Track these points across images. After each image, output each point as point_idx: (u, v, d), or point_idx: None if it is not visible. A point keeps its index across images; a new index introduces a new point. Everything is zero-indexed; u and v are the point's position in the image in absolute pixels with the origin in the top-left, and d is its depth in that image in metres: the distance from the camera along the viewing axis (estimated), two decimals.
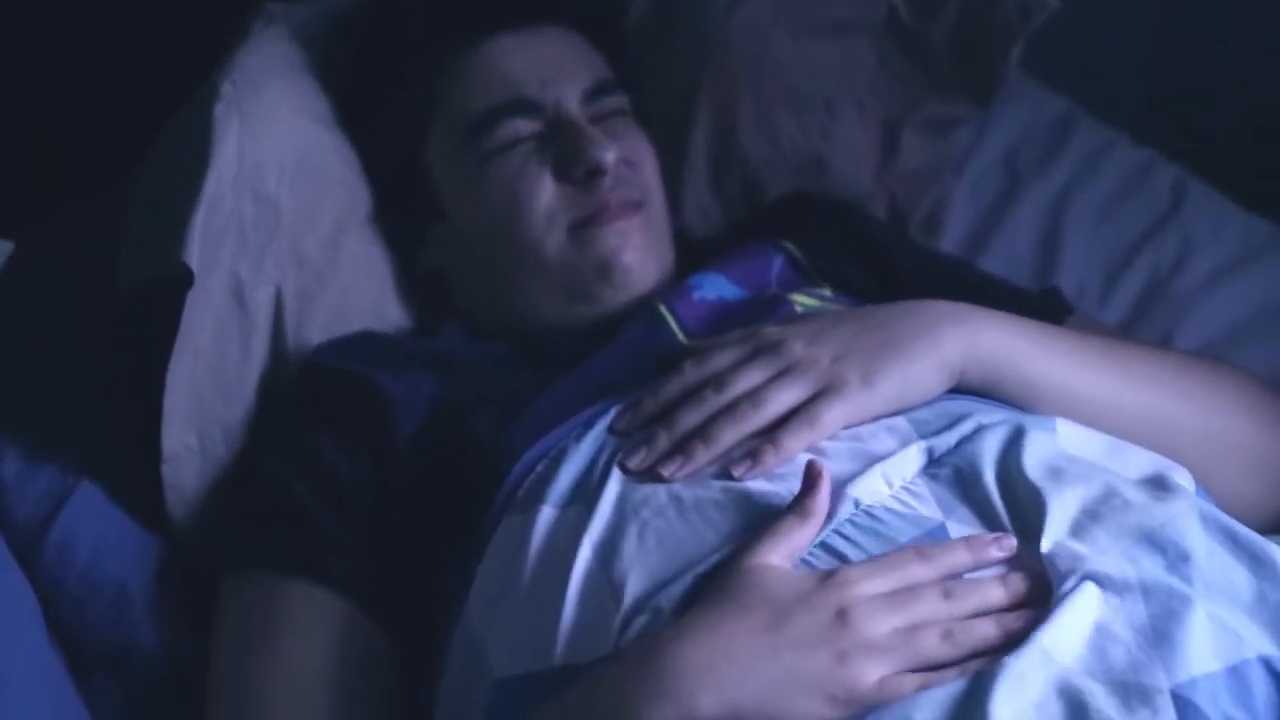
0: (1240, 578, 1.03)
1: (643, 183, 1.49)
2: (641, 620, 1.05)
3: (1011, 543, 1.06)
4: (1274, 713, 0.97)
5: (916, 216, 1.72)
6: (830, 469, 1.10)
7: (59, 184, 1.64)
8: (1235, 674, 0.97)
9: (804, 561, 1.06)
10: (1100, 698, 0.95)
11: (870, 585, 1.02)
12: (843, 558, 1.06)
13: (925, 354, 1.19)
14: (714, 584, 1.04)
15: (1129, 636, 0.98)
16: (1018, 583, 1.04)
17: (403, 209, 1.53)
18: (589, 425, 1.23)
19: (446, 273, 1.52)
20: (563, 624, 1.08)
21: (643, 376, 1.26)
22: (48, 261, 1.56)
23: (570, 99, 1.47)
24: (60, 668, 1.36)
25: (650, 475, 1.15)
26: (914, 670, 0.99)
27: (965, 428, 1.15)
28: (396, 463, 1.31)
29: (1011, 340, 1.22)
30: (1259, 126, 2.05)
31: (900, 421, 1.17)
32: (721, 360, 1.22)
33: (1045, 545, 1.04)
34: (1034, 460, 1.11)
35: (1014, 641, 0.99)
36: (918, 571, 1.04)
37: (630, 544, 1.10)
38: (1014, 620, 1.01)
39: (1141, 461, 1.15)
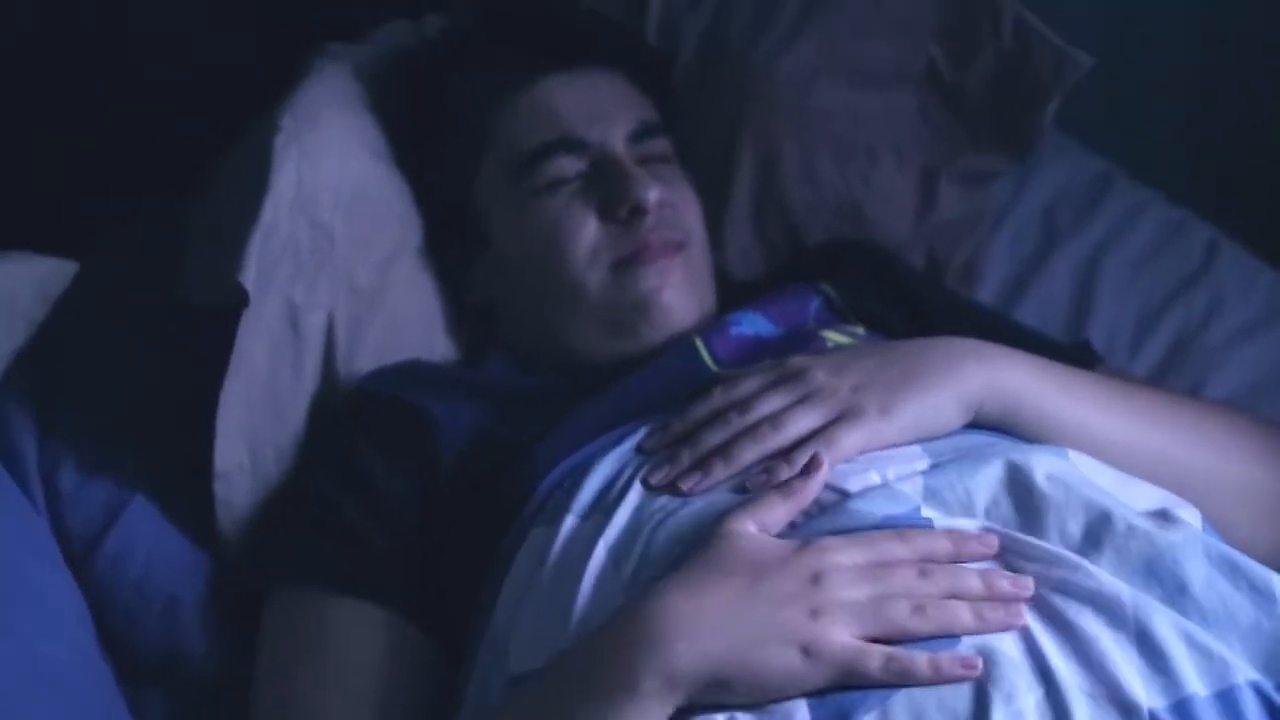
0: (1239, 606, 1.06)
1: (685, 225, 1.53)
2: None
3: (993, 541, 1.10)
4: None
5: (953, 266, 1.76)
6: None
7: (123, 207, 1.68)
8: (1224, 699, 1.00)
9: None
10: (1086, 713, 0.99)
11: (846, 555, 1.07)
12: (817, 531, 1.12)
13: (944, 386, 1.23)
14: (696, 548, 1.09)
15: (1118, 655, 1.02)
16: (998, 580, 1.07)
17: (452, 242, 1.58)
18: (617, 443, 1.27)
19: (493, 304, 1.57)
20: (574, 620, 1.13)
21: (673, 402, 1.30)
22: (110, 282, 1.61)
23: (616, 139, 1.51)
24: (110, 675, 1.40)
25: (670, 489, 1.20)
26: (885, 640, 1.03)
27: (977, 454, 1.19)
28: (439, 485, 1.35)
29: (1030, 377, 1.26)
30: None
31: (915, 449, 1.20)
32: (748, 386, 1.26)
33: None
34: (1041, 475, 1.14)
35: (987, 628, 1.03)
36: (895, 550, 1.08)
37: (641, 544, 1.14)
38: (990, 609, 1.05)
39: (1150, 496, 1.18)
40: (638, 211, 1.47)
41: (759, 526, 1.11)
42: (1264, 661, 1.03)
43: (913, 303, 1.56)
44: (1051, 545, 1.09)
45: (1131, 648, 1.02)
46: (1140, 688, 1.00)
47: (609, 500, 1.21)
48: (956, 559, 1.09)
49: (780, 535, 1.11)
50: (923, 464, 1.18)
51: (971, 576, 1.07)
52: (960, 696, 1.00)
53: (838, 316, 1.52)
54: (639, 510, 1.18)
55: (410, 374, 1.48)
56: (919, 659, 1.02)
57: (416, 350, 1.55)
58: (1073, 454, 1.20)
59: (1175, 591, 1.06)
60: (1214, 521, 1.19)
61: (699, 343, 1.43)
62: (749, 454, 1.20)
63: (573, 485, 1.24)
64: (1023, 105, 1.71)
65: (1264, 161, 2.19)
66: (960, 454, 1.18)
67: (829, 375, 1.24)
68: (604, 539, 1.16)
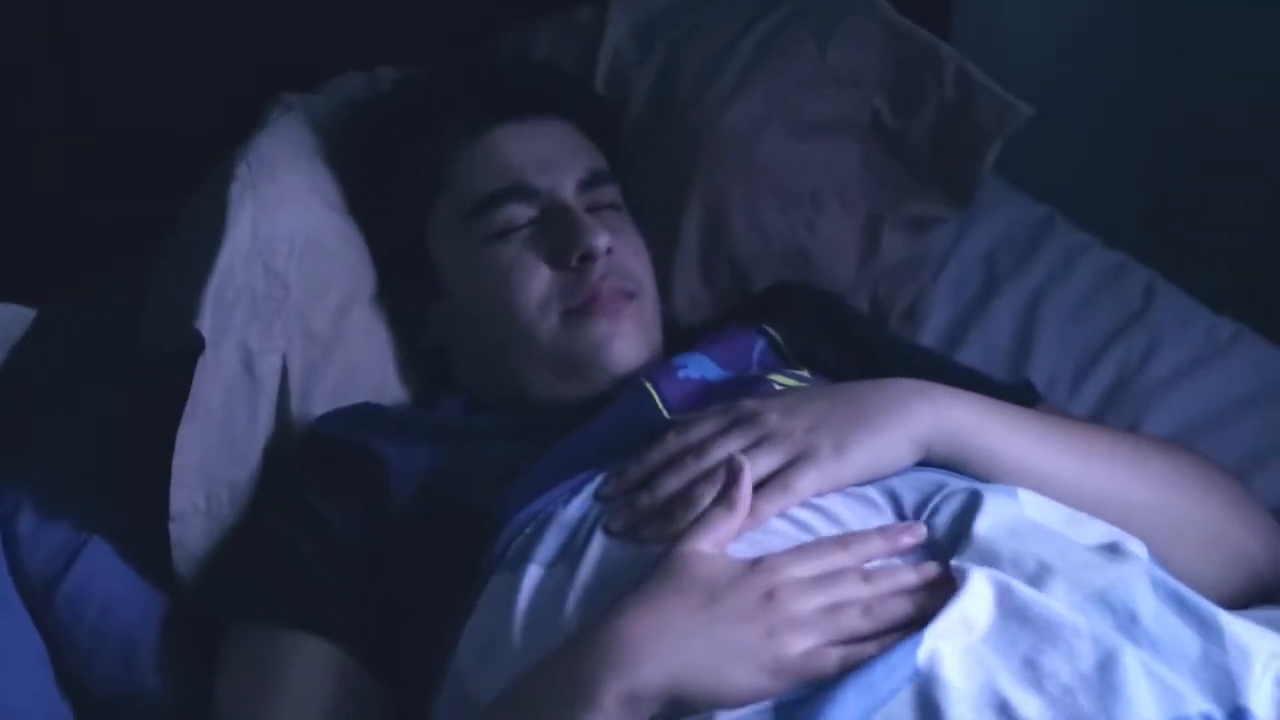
0: (1187, 639, 1.09)
1: (634, 274, 1.55)
2: None
3: (922, 530, 1.15)
4: None
5: (897, 310, 1.79)
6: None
7: (81, 258, 1.71)
8: None
9: None
10: None
11: (795, 569, 1.11)
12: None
13: (895, 426, 1.26)
14: (652, 569, 1.12)
15: (1076, 683, 1.04)
16: (930, 568, 1.12)
17: (405, 289, 1.60)
18: (576, 491, 1.29)
19: (447, 348, 1.59)
20: None
21: (629, 448, 1.31)
22: (67, 327, 1.64)
23: (566, 187, 1.54)
24: (68, 715, 1.42)
25: (632, 536, 1.22)
26: (837, 643, 1.07)
27: (936, 500, 1.21)
28: (393, 525, 1.37)
29: (976, 416, 1.29)
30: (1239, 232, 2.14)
31: (872, 492, 1.23)
32: (701, 430, 1.29)
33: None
34: (992, 520, 1.17)
35: (926, 617, 1.07)
36: (839, 558, 1.13)
37: (611, 598, 1.15)
38: (926, 599, 1.09)
39: (1098, 531, 1.21)
40: (588, 259, 1.49)
41: (712, 545, 1.14)
42: (1213, 693, 1.05)
43: (856, 345, 1.58)
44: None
45: (1093, 673, 1.05)
46: (1101, 715, 1.02)
47: (574, 549, 1.22)
48: (892, 554, 1.14)
49: None
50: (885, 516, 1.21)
51: (908, 571, 1.12)
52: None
53: (782, 359, 1.55)
54: (602, 562, 1.20)
55: (363, 416, 1.51)
56: (869, 649, 1.06)
57: (370, 394, 1.57)
58: (1022, 494, 1.23)
59: (1127, 620, 1.09)
60: (1158, 555, 1.21)
61: (650, 388, 1.45)
62: (709, 498, 1.21)
63: (534, 533, 1.26)
64: (964, 153, 1.74)
65: (1204, 205, 2.24)
66: (917, 493, 1.22)
67: (782, 418, 1.27)
68: (573, 592, 1.18)
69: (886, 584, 1.12)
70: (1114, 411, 1.71)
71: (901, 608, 1.10)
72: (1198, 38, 2.24)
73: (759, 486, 1.22)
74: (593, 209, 1.55)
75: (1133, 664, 1.05)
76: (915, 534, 1.16)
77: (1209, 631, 1.09)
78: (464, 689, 1.22)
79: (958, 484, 1.23)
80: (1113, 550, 1.17)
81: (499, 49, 1.87)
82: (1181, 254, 1.98)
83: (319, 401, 1.54)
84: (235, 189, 1.51)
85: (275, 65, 1.77)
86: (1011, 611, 1.08)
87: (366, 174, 1.62)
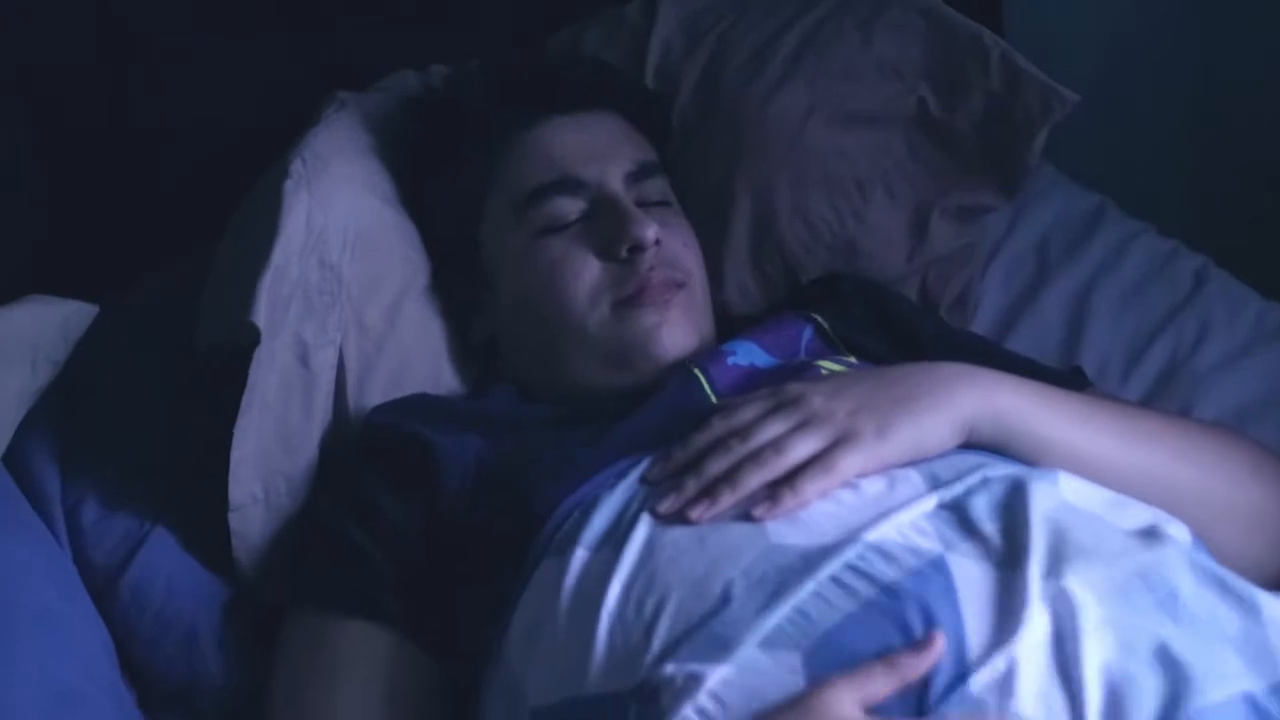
0: (1226, 618, 1.10)
1: (684, 265, 1.57)
2: (671, 668, 1.12)
3: (940, 646, 1.09)
4: None
5: (946, 299, 1.80)
6: (850, 522, 1.19)
7: (140, 256, 1.75)
8: (1224, 708, 1.04)
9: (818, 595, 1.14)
10: None
11: None
12: (852, 590, 1.13)
13: (939, 409, 1.27)
14: (787, 707, 1.08)
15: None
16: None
17: (457, 282, 1.63)
18: (622, 476, 1.31)
19: (498, 340, 1.62)
20: (595, 657, 1.16)
21: (675, 433, 1.33)
22: (130, 323, 1.67)
23: (614, 178, 1.56)
24: (130, 701, 1.46)
25: (678, 518, 1.23)
26: None
27: (973, 480, 1.22)
28: (445, 511, 1.39)
29: (1022, 399, 1.30)
30: None
31: (912, 473, 1.24)
32: (747, 414, 1.30)
33: (1032, 580, 1.11)
34: (1035, 507, 1.17)
35: None
36: None
37: (657, 582, 1.18)
38: None
39: (1139, 515, 1.21)
40: (637, 249, 1.51)
41: (857, 702, 1.08)
42: (1254, 670, 1.07)
43: (905, 333, 1.60)
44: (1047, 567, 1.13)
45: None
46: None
47: (619, 533, 1.24)
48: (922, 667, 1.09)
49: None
50: (927, 504, 1.21)
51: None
52: None
53: (830, 346, 1.56)
54: (649, 544, 1.22)
55: (417, 406, 1.53)
56: None
57: (424, 385, 1.60)
58: (1063, 477, 1.24)
59: (1167, 597, 1.10)
60: (1205, 537, 1.22)
61: (698, 374, 1.47)
62: (754, 480, 1.23)
63: (581, 517, 1.28)
64: (1011, 142, 1.74)
65: (1255, 191, 2.24)
66: (956, 472, 1.23)
67: (826, 400, 1.28)
68: (618, 575, 1.20)
69: None
70: (1165, 397, 1.72)
71: None
72: (1248, 24, 2.24)
73: (802, 468, 1.24)
74: (641, 202, 1.57)
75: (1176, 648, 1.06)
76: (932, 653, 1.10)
77: (1249, 611, 1.10)
78: (512, 672, 1.24)
79: (999, 467, 1.24)
80: (1151, 534, 1.18)
81: (550, 47, 1.90)
82: (1234, 240, 1.98)
83: (373, 393, 1.56)
84: (290, 184, 1.54)
85: (329, 65, 1.81)
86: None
87: (419, 168, 1.65)
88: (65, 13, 1.72)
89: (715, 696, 1.09)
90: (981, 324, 1.82)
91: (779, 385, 1.34)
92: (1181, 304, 1.81)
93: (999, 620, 1.09)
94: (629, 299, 1.51)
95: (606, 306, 1.52)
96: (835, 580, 1.14)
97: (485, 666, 1.29)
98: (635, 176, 1.58)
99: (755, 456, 1.25)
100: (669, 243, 1.55)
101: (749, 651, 1.10)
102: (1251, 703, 1.05)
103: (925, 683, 1.07)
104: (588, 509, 1.28)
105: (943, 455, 1.27)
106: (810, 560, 1.16)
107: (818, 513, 1.21)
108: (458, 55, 1.86)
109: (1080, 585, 1.10)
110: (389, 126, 1.70)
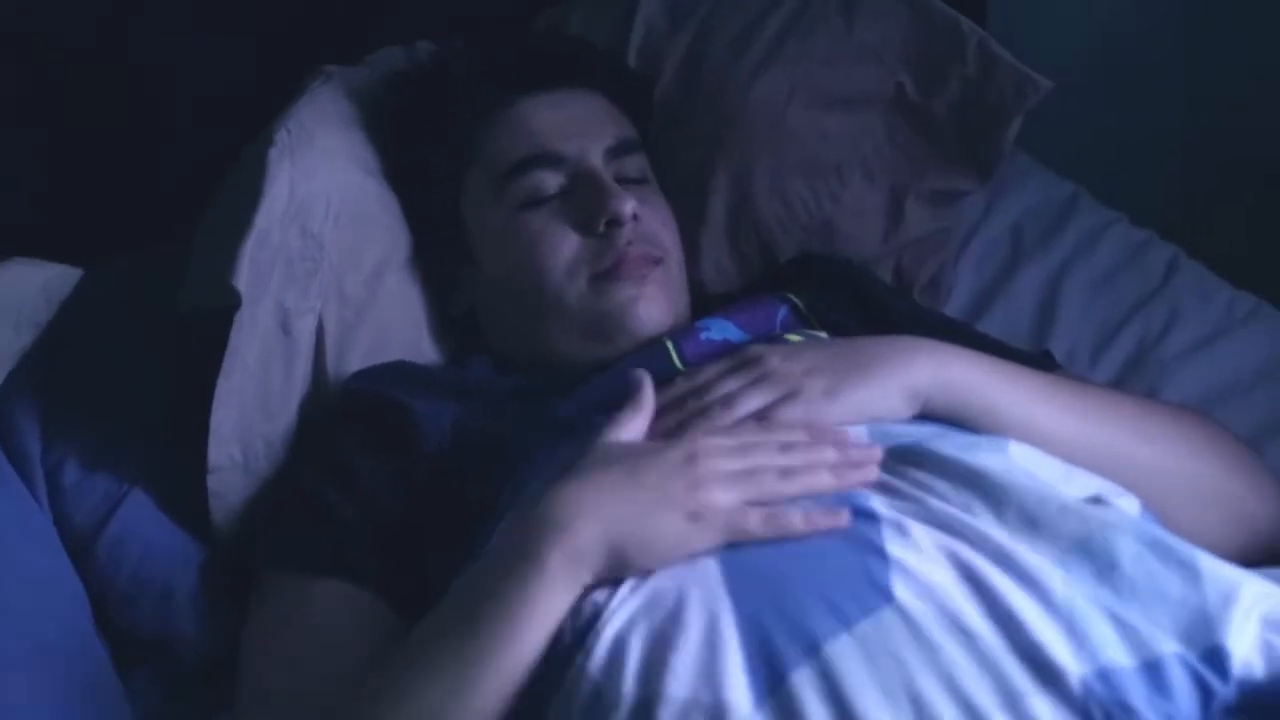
0: (1168, 582, 1.11)
1: (661, 242, 1.59)
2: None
3: (848, 436, 1.23)
4: (1195, 708, 1.06)
5: (920, 281, 1.83)
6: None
7: (131, 226, 1.77)
8: (1150, 669, 1.06)
9: None
10: (1017, 675, 1.06)
11: (716, 440, 1.20)
12: None
13: (890, 376, 1.31)
14: (579, 457, 1.23)
15: (1043, 626, 1.08)
16: (845, 438, 1.22)
17: (438, 255, 1.65)
18: (587, 431, 1.33)
19: (477, 312, 1.64)
20: None
21: None
22: (112, 288, 1.69)
23: (594, 153, 1.58)
24: (104, 655, 1.47)
25: None
26: (758, 504, 1.15)
27: (921, 435, 1.26)
28: (420, 475, 1.42)
29: (978, 371, 1.33)
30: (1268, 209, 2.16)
31: (861, 430, 1.27)
32: (707, 374, 1.34)
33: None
34: (979, 463, 1.20)
35: (847, 485, 1.17)
36: (759, 435, 1.21)
37: None
38: (848, 470, 1.19)
39: (1088, 484, 1.24)
40: (614, 224, 1.53)
41: (627, 434, 1.25)
42: (1186, 631, 1.08)
43: (878, 312, 1.62)
44: (988, 527, 1.15)
45: (1058, 620, 1.08)
46: (1065, 654, 1.06)
47: None
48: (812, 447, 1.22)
49: None
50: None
51: (826, 448, 1.20)
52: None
53: (804, 323, 1.58)
54: None
55: (395, 373, 1.55)
56: (794, 515, 1.14)
57: (403, 355, 1.62)
58: (1013, 446, 1.26)
59: (1106, 568, 1.12)
60: (1165, 515, 1.24)
61: (669, 345, 1.50)
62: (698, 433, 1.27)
63: (537, 468, 1.31)
64: (986, 127, 1.77)
65: (1233, 183, 2.26)
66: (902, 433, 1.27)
67: (783, 361, 1.32)
68: None
69: (803, 456, 1.20)
70: (1132, 382, 1.75)
71: (819, 476, 1.18)
72: (1232, 15, 2.26)
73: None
74: (621, 178, 1.59)
75: (1092, 611, 1.08)
76: (840, 441, 1.23)
77: (1189, 574, 1.11)
78: None
79: (953, 436, 1.27)
80: (1097, 501, 1.20)
81: (534, 26, 1.92)
82: (1208, 231, 2.00)
83: (353, 361, 1.59)
84: (274, 153, 1.55)
85: (318, 40, 1.83)
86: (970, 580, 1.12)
87: (402, 141, 1.67)
88: None
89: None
90: (955, 307, 1.85)
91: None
92: (1152, 293, 1.84)
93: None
94: (606, 273, 1.53)
95: (584, 280, 1.54)
96: None
97: None
98: (615, 152, 1.61)
99: (705, 410, 1.29)
100: (647, 219, 1.57)
101: None
102: (1186, 665, 1.07)
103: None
104: (544, 461, 1.32)
105: (895, 423, 1.30)
106: None
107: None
108: (445, 33, 1.88)
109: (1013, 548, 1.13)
110: (373, 100, 1.71)
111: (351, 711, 1.20)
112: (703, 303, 1.67)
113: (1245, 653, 1.07)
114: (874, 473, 1.20)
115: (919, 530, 1.15)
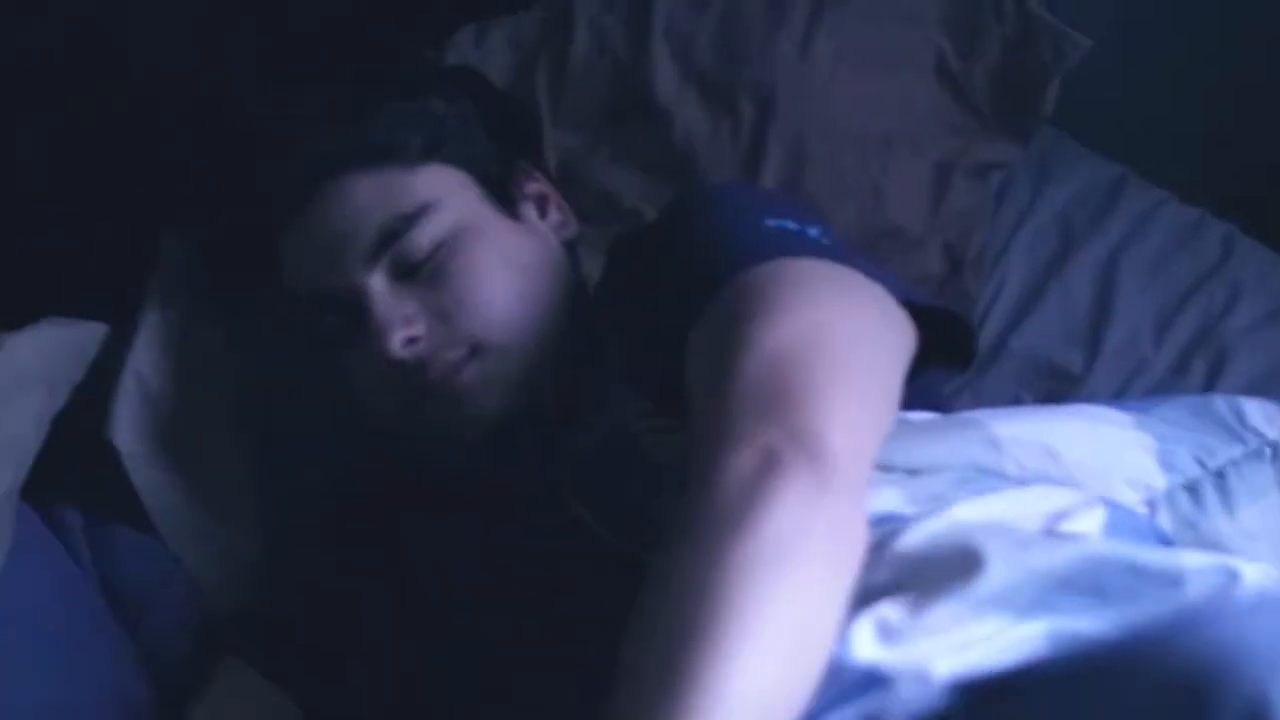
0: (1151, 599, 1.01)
1: (465, 330, 1.41)
2: None
3: None
4: None
5: (969, 259, 1.80)
6: None
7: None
8: None
9: None
10: None
11: None
12: None
13: None
14: None
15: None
16: None
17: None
18: None
19: None
20: None
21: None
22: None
23: (355, 271, 1.42)
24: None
25: None
26: None
27: None
28: None
29: None
30: None
31: None
32: None
33: None
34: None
35: None
36: None
37: None
38: None
39: (1045, 503, 1.17)
40: (392, 365, 1.40)
41: None
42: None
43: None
44: None
45: None
46: None
47: None
48: None
49: None
50: None
51: None
52: None
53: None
54: None
55: None
56: None
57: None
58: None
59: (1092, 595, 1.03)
60: None
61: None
62: None
63: None
64: (1027, 87, 1.77)
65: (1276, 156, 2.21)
66: None
67: None
68: None
69: None
70: (1197, 361, 1.71)
71: None
72: None
73: None
74: (404, 267, 1.42)
75: None
76: None
77: (1171, 585, 1.02)
78: None
79: None
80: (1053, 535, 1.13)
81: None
82: (1260, 208, 1.96)
83: None
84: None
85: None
86: None
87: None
88: None
89: None
90: (1008, 296, 1.81)
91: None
92: (1210, 271, 1.80)
93: None
94: (420, 391, 1.40)
95: (402, 402, 1.42)
96: None
97: None
98: (379, 249, 1.42)
99: None
100: (440, 315, 1.41)
101: None
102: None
103: None
104: None
105: None
106: None
107: None
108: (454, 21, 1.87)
109: None
110: None
111: None
112: None
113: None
114: None
115: None
